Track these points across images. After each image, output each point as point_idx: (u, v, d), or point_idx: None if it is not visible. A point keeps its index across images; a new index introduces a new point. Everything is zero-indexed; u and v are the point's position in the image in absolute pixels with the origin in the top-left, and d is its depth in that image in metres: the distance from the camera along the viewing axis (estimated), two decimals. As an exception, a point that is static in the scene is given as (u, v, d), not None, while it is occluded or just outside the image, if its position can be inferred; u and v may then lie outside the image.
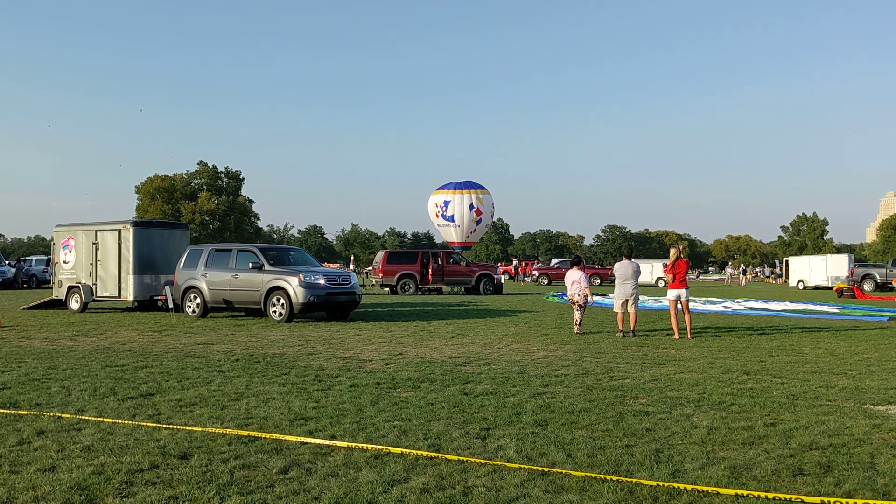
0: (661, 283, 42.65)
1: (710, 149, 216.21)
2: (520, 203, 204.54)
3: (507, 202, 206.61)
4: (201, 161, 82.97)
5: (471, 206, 50.41)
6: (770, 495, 4.09)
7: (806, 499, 4.05)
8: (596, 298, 23.81)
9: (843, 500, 4.05)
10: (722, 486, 4.22)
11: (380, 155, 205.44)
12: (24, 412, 6.15)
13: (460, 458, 4.75)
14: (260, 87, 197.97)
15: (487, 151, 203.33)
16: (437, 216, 51.07)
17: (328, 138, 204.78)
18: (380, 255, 31.34)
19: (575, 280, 13.64)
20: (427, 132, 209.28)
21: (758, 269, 68.67)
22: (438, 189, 52.35)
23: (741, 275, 55.48)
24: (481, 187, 52.20)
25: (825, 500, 4.07)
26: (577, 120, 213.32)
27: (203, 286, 16.51)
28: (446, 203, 50.28)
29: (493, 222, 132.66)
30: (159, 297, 18.52)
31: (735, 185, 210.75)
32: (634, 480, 4.30)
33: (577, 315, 13.43)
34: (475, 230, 52.19)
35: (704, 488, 4.17)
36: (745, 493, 4.11)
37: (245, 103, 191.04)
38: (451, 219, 50.17)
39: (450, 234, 51.54)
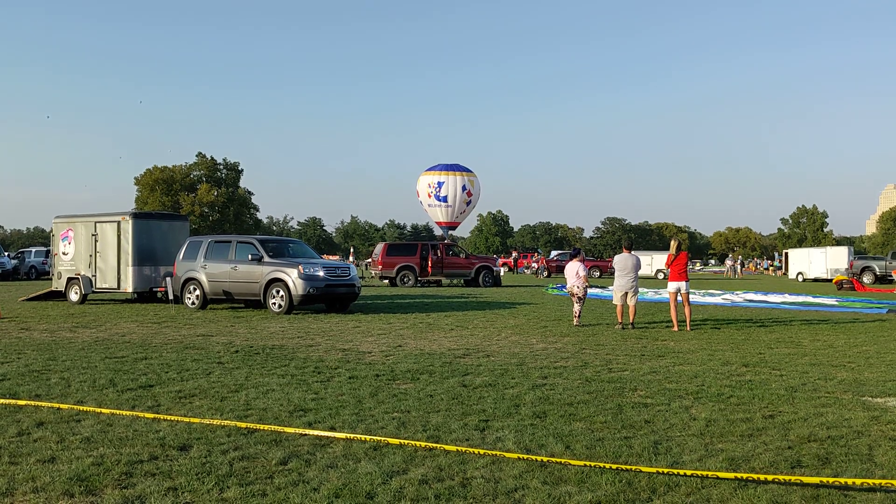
0: (661, 276, 42.63)
1: (709, 140, 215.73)
2: (519, 195, 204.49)
3: (507, 194, 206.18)
4: (200, 153, 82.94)
5: (463, 188, 51.40)
6: (770, 477, 4.11)
7: (805, 479, 4.09)
8: (595, 291, 23.84)
9: (842, 480, 4.08)
10: (720, 477, 4.23)
11: (379, 147, 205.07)
12: (24, 403, 6.16)
13: (459, 448, 4.76)
14: (257, 78, 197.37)
15: (485, 142, 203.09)
16: (430, 196, 51.70)
17: (327, 130, 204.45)
18: (379, 247, 31.35)
19: (574, 272, 13.64)
20: (426, 123, 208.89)
21: (744, 262, 67.08)
22: (429, 170, 52.96)
23: (738, 267, 55.30)
24: (469, 170, 53.18)
25: (823, 479, 4.11)
26: (576, 110, 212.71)
27: (202, 278, 16.50)
28: (440, 184, 51.02)
29: (493, 214, 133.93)
30: (159, 289, 18.52)
31: (735, 177, 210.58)
32: (634, 468, 4.31)
33: (576, 307, 13.44)
34: (464, 211, 53.21)
35: (704, 473, 4.18)
36: (745, 476, 4.13)
37: (243, 94, 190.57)
38: (444, 199, 50.97)
39: (438, 215, 52.29)
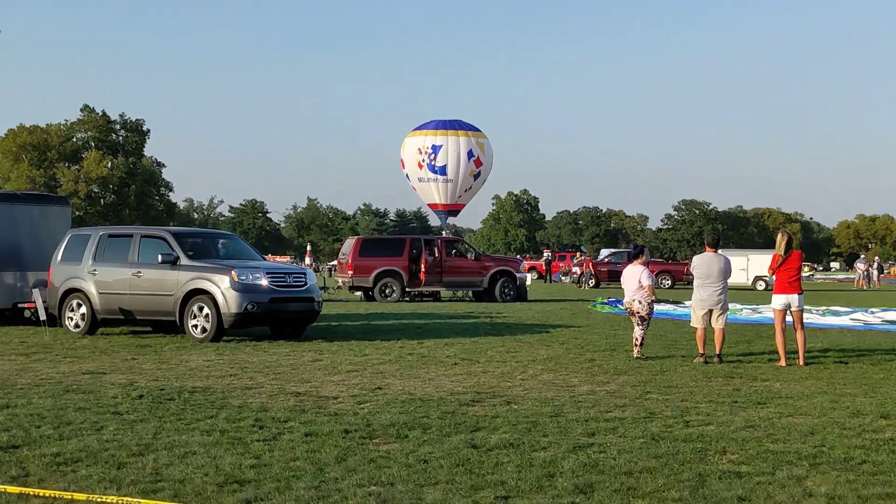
0: (762, 285, 42.68)
1: (832, 89, 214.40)
2: (553, 168, 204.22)
3: (534, 166, 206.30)
4: (87, 106, 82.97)
5: (469, 154, 50.43)
6: None
7: None
8: (666, 307, 23.82)
9: None
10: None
11: (348, 99, 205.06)
12: None
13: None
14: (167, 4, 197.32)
15: (500, 92, 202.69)
16: (420, 166, 50.82)
17: (273, 75, 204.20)
18: (349, 244, 31.38)
19: (635, 281, 13.64)
20: (414, 64, 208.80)
21: (882, 266, 66.56)
22: (419, 129, 52.05)
23: (874, 273, 55.40)
24: (477, 129, 52.33)
25: None
26: (633, 44, 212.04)
27: (91, 289, 16.52)
28: (435, 148, 50.15)
29: (515, 195, 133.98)
30: (26, 305, 18.52)
31: (870, 144, 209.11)
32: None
33: (637, 332, 13.45)
34: (470, 188, 52.22)
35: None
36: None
37: (150, 24, 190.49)
38: (442, 171, 50.09)
39: (432, 194, 51.53)
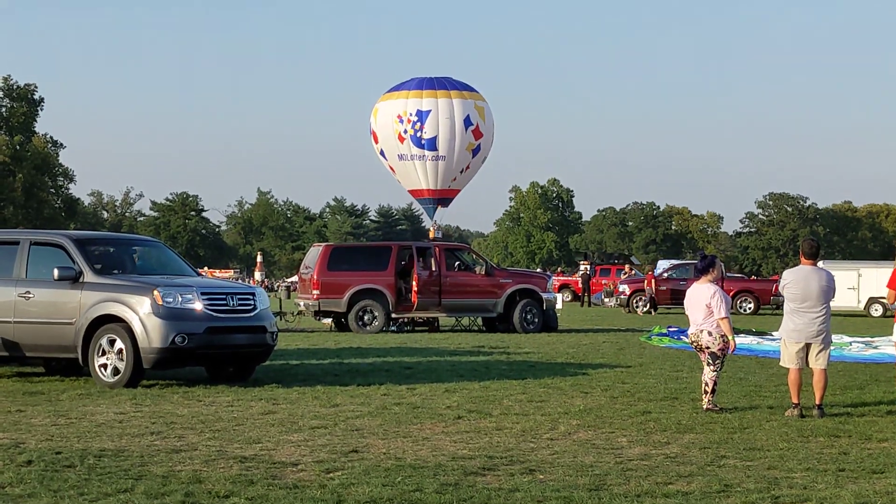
0: (878, 310, 42.62)
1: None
2: (591, 151, 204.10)
3: (565, 147, 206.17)
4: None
5: (467, 122, 51.01)
6: None
7: None
8: (747, 340, 23.68)
9: None
10: None
11: (307, 53, 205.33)
12: None
13: None
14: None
15: (503, 45, 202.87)
16: (402, 139, 51.22)
17: (203, 27, 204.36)
18: (315, 254, 31.35)
19: (703, 303, 13.61)
20: (395, 17, 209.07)
21: None
22: (396, 90, 52.60)
23: None
24: (473, 89, 53.10)
25: None
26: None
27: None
28: (421, 115, 50.56)
29: (542, 187, 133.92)
30: None
31: None
32: None
33: (707, 374, 13.45)
34: (468, 167, 52.46)
35: None
36: None
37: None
38: (432, 144, 50.27)
39: (416, 176, 51.56)
